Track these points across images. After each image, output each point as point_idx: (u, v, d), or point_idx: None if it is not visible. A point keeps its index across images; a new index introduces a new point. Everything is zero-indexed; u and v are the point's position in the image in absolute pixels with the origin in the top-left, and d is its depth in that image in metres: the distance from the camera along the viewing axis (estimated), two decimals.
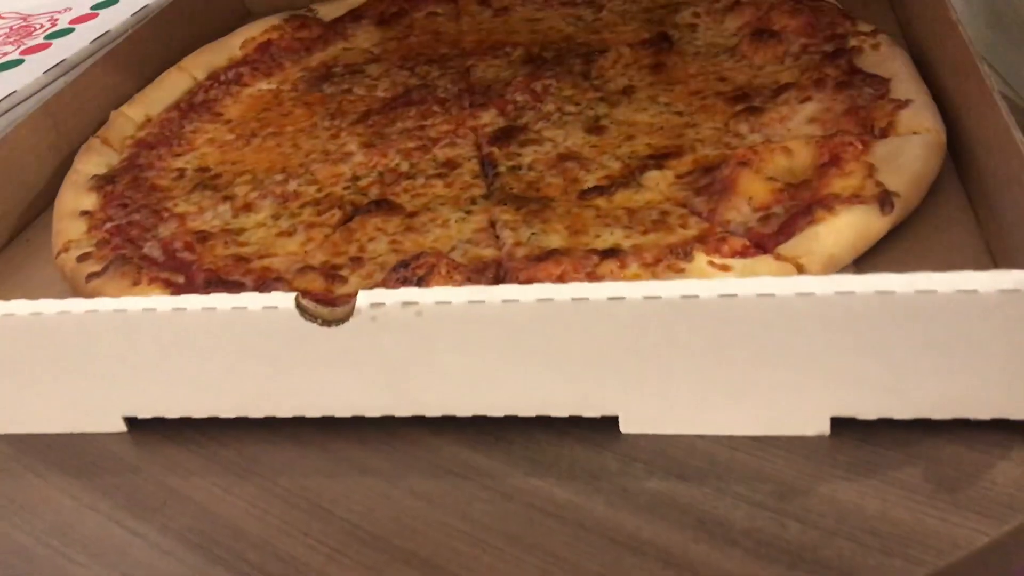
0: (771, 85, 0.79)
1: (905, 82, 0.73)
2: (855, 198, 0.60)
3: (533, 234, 0.65)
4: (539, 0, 1.05)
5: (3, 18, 1.17)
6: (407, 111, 0.86)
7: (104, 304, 0.54)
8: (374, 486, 0.52)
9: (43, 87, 0.97)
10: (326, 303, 0.54)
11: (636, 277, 0.58)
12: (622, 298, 0.48)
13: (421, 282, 0.59)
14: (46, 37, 1.05)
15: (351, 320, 0.51)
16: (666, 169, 0.70)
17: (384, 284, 0.61)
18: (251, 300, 0.52)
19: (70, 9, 1.10)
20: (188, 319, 0.52)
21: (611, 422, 0.52)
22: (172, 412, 0.57)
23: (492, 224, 0.67)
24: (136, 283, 0.65)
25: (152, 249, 0.69)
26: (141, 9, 1.08)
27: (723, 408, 0.51)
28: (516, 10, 1.04)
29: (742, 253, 0.59)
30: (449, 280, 0.59)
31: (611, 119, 0.79)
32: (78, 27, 1.05)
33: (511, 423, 0.53)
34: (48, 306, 0.54)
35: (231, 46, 1.02)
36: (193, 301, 0.52)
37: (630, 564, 0.45)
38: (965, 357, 0.46)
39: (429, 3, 1.08)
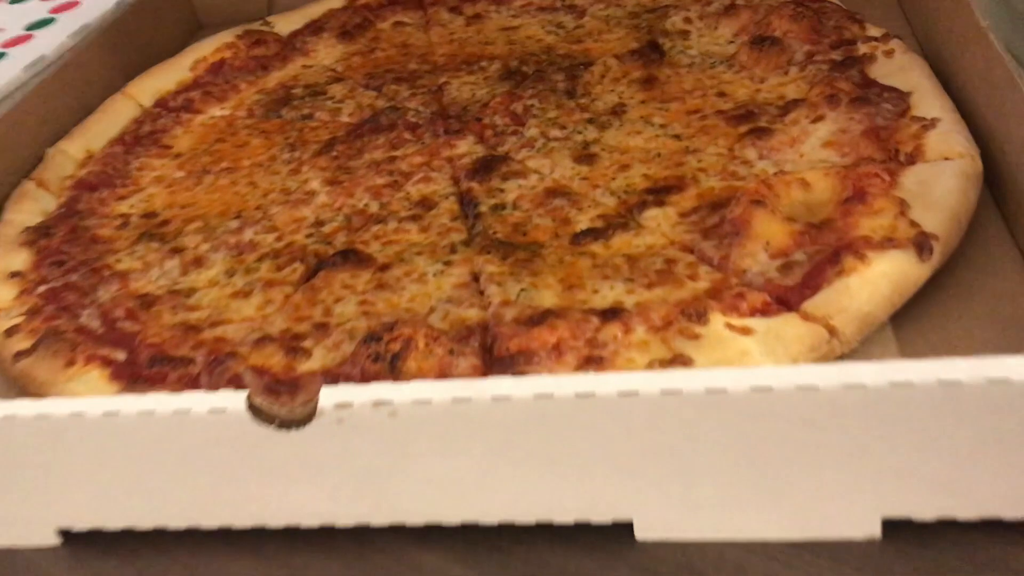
0: (777, 101, 0.71)
1: (927, 96, 0.65)
2: (888, 242, 0.53)
3: (523, 290, 0.57)
4: (515, 6, 0.97)
5: None
6: (375, 139, 0.77)
7: (24, 409, 0.46)
8: None
9: None
10: (287, 384, 0.46)
11: (644, 345, 0.51)
12: (635, 392, 0.40)
13: (396, 360, 0.51)
14: None
15: (314, 422, 0.43)
16: (667, 206, 0.62)
17: (353, 359, 0.53)
18: (195, 401, 0.44)
19: (2, 30, 1.01)
20: (122, 425, 0.44)
21: (625, 528, 0.44)
22: (112, 523, 0.49)
23: (475, 277, 0.60)
24: (70, 363, 0.57)
25: (90, 318, 0.61)
26: (80, 29, 0.98)
27: (756, 509, 0.43)
28: (490, 17, 0.96)
29: (763, 311, 0.52)
30: (428, 355, 0.51)
31: (602, 145, 0.71)
32: (10, 51, 0.96)
33: (507, 532, 0.45)
34: None
35: (180, 67, 0.93)
36: (128, 403, 0.44)
37: None
38: None
39: (395, 11, 1.00)
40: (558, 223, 0.63)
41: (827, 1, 0.82)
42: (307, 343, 0.56)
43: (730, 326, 0.51)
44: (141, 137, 0.84)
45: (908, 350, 0.51)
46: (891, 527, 0.42)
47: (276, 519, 0.47)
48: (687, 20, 0.85)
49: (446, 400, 0.41)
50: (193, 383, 0.54)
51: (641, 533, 0.45)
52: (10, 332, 0.61)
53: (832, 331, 0.50)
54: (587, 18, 0.91)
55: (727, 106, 0.72)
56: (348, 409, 0.42)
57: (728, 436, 0.41)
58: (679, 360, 0.49)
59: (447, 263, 0.61)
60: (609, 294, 0.55)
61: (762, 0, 0.84)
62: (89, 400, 0.45)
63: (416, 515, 0.46)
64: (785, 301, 0.52)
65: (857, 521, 0.42)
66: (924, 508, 0.42)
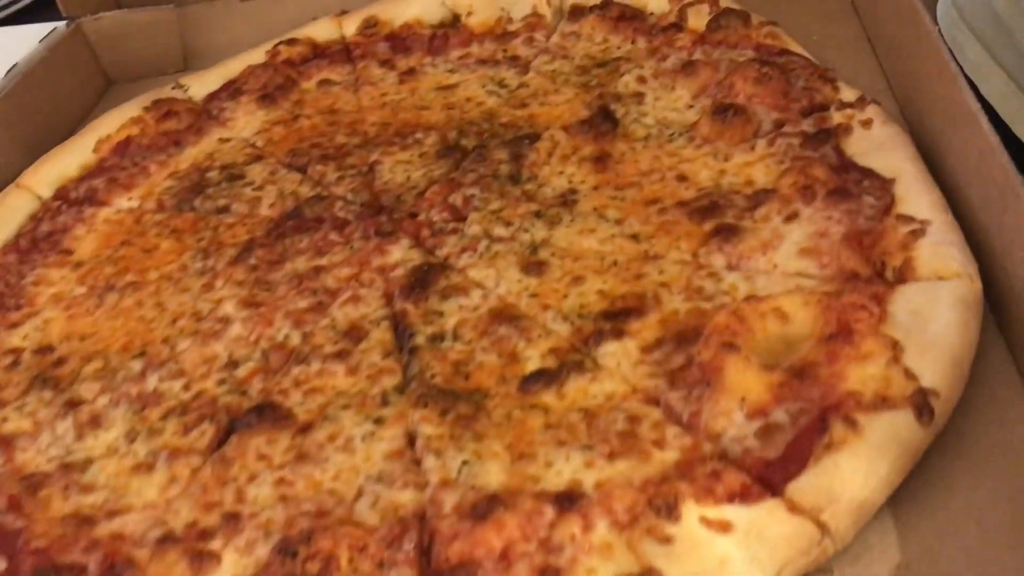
0: (744, 188, 0.63)
1: (914, 187, 0.58)
2: (882, 401, 0.46)
3: (465, 463, 0.49)
4: (452, 58, 0.88)
5: None
6: (298, 241, 0.69)
7: None
8: None
9: None
10: None
11: (607, 550, 0.43)
12: None
13: None
14: None
15: None
16: (627, 338, 0.54)
17: (267, 571, 0.45)
18: None
19: None
20: None
21: None
22: None
23: (410, 440, 0.52)
24: None
25: None
26: None
27: None
28: (425, 72, 0.87)
29: (742, 495, 0.44)
30: (352, 574, 0.44)
31: (552, 248, 0.63)
32: None
33: None
34: None
35: (83, 148, 0.84)
36: None
37: None
38: None
39: (321, 68, 0.90)
40: (505, 360, 0.55)
41: (794, 55, 0.74)
42: (216, 544, 0.48)
43: (706, 521, 0.43)
44: (38, 240, 0.75)
45: (910, 538, 0.44)
46: None
47: None
48: (641, 80, 0.76)
49: None
50: None
51: None
52: None
53: (823, 528, 0.42)
54: (531, 74, 0.82)
55: (689, 194, 0.64)
56: None
57: None
58: None
59: (378, 421, 0.53)
60: (565, 469, 0.48)
61: (723, 54, 0.76)
62: None
63: None
64: (766, 480, 0.45)
65: None
66: None
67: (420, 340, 0.58)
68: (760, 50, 0.75)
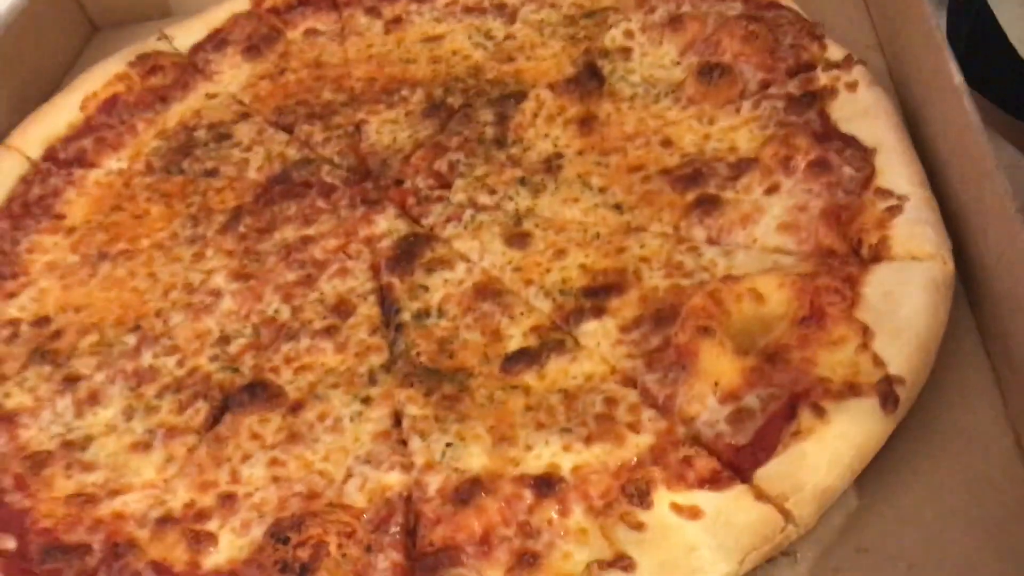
0: (728, 155, 0.64)
1: (894, 158, 0.58)
2: (849, 389, 0.47)
3: (449, 445, 0.51)
4: (439, 5, 0.86)
5: None
6: (286, 207, 0.69)
7: None
8: None
9: None
10: None
11: (582, 535, 0.45)
12: None
13: (305, 573, 0.46)
14: None
15: None
16: (607, 316, 0.56)
17: (261, 554, 0.48)
18: None
19: None
20: None
21: None
22: None
23: (396, 419, 0.54)
24: None
25: None
26: None
27: None
28: (411, 21, 0.85)
29: (712, 481, 0.46)
30: (342, 560, 0.46)
31: (535, 217, 0.63)
32: None
33: None
34: None
35: (70, 106, 0.83)
36: None
37: None
38: None
39: (306, 16, 0.89)
40: (488, 338, 0.57)
41: (784, 8, 0.73)
42: (212, 524, 0.50)
43: (676, 507, 0.45)
44: (30, 205, 0.76)
45: (871, 521, 0.46)
46: None
47: None
48: (628, 34, 0.75)
49: None
50: None
51: None
52: None
53: (787, 515, 0.44)
54: (518, 24, 0.81)
55: (673, 161, 0.65)
56: None
57: None
58: (620, 564, 0.44)
59: (365, 401, 0.55)
60: (544, 452, 0.49)
61: (711, 7, 0.75)
62: None
63: None
64: (736, 465, 0.47)
65: None
66: None
67: (406, 316, 0.59)
68: (749, 2, 0.74)
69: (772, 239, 0.57)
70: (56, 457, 0.56)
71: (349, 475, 0.51)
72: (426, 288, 0.61)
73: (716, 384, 0.49)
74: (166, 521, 0.51)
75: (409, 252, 0.63)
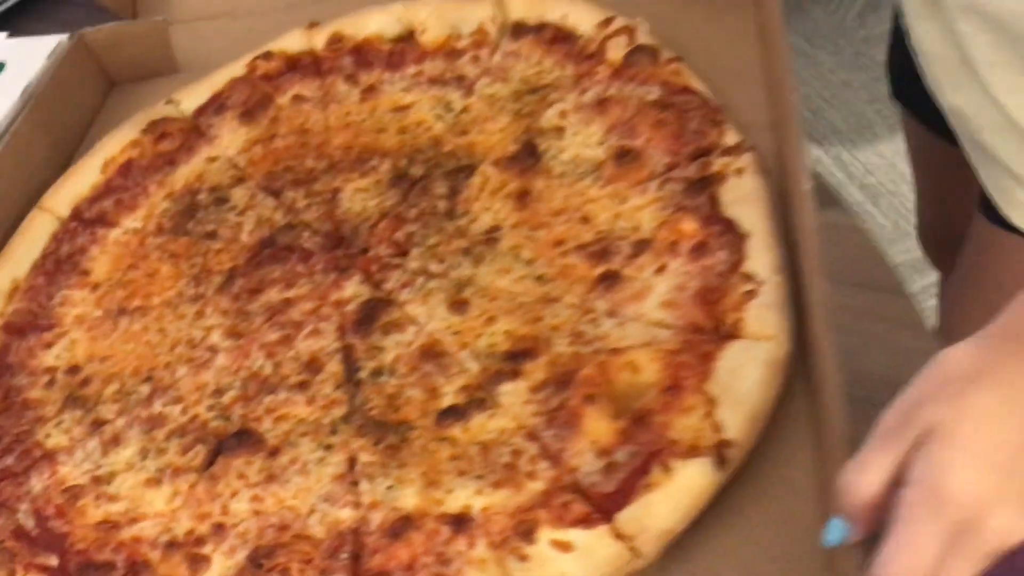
0: (632, 234, 0.76)
1: (760, 246, 0.70)
2: (692, 450, 0.61)
3: (389, 487, 0.65)
4: (408, 74, 0.99)
5: None
6: (272, 271, 0.83)
7: None
8: None
9: None
10: None
11: (482, 563, 0.60)
12: None
13: None
14: None
15: None
16: (520, 378, 0.69)
17: (244, 575, 0.62)
18: None
19: None
20: None
21: None
22: None
23: (351, 464, 0.68)
24: (11, 574, 0.66)
25: (26, 517, 0.70)
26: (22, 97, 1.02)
27: None
28: (383, 91, 0.98)
29: (583, 521, 0.60)
30: None
31: (474, 286, 0.77)
32: None
33: None
34: None
35: (92, 168, 0.97)
36: None
37: None
38: None
39: (293, 82, 1.02)
40: (426, 395, 0.70)
41: (693, 93, 0.85)
42: (207, 548, 0.65)
43: (554, 542, 0.59)
44: (61, 261, 0.90)
45: (700, 554, 0.60)
46: None
47: None
48: (563, 114, 0.88)
49: None
50: None
51: None
52: None
53: (636, 552, 0.58)
54: (474, 97, 0.94)
55: (588, 236, 0.77)
56: None
57: None
58: None
59: (327, 448, 0.69)
60: (461, 495, 0.63)
61: (634, 90, 0.87)
62: None
63: None
64: (604, 508, 0.61)
65: None
66: None
67: (364, 374, 0.73)
68: (666, 87, 0.86)
69: (656, 314, 0.70)
70: (87, 490, 0.71)
71: (312, 511, 0.66)
72: (381, 349, 0.75)
73: (594, 442, 0.63)
74: (172, 545, 0.66)
75: (370, 315, 0.77)
